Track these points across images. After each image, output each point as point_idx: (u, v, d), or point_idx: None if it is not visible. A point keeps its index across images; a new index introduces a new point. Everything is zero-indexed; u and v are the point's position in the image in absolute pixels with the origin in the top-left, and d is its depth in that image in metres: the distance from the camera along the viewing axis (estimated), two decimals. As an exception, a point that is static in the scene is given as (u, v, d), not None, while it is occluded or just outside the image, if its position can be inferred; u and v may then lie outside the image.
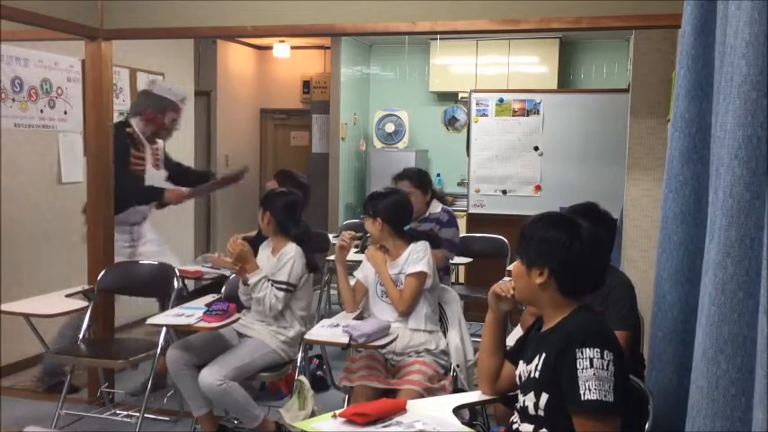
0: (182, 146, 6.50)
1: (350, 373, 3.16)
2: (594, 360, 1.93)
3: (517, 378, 2.19)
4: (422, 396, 2.93)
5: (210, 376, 3.24)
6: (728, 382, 1.68)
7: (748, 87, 1.62)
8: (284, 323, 3.52)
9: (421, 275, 3.22)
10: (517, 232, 2.20)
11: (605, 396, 1.91)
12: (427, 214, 4.31)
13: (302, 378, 3.17)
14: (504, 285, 2.29)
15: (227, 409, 3.50)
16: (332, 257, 4.77)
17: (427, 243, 3.31)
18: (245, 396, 3.34)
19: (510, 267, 2.40)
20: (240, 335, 3.55)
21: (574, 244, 2.06)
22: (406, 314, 3.24)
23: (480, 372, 2.44)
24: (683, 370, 2.18)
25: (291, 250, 3.53)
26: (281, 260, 3.52)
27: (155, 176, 4.52)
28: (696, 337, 1.83)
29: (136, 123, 4.47)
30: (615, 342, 2.02)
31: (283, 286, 3.46)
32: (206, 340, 3.48)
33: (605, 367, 1.93)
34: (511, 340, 2.63)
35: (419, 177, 4.32)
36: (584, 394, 1.91)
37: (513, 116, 6.17)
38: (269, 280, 3.47)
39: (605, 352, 1.94)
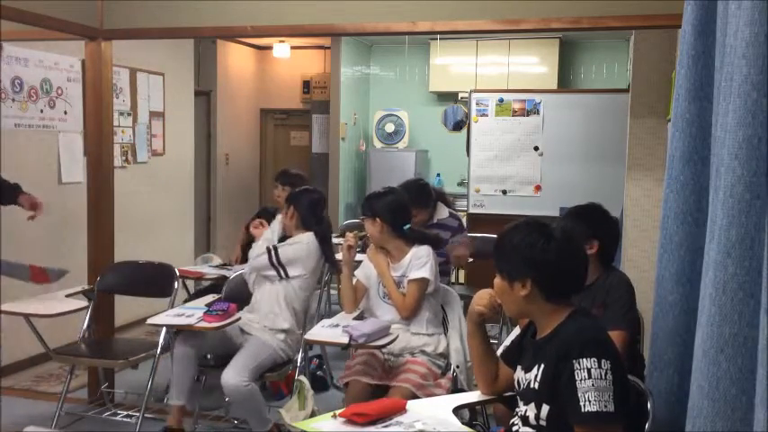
0: (182, 146, 6.51)
1: (347, 370, 3.18)
2: (592, 370, 1.92)
3: (515, 383, 2.19)
4: (414, 394, 2.94)
5: (236, 377, 3.23)
6: (729, 382, 1.68)
7: (748, 87, 1.63)
8: (276, 310, 3.55)
9: (423, 282, 3.22)
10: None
11: (605, 406, 1.91)
12: (435, 220, 4.28)
13: (302, 378, 3.18)
14: (489, 301, 2.28)
15: (247, 411, 3.45)
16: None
17: (430, 248, 3.30)
18: (262, 399, 3.37)
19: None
20: (243, 332, 3.55)
21: (549, 246, 2.04)
22: (409, 319, 3.25)
23: (477, 376, 2.44)
24: (683, 370, 2.18)
25: (305, 238, 3.60)
26: (292, 240, 3.61)
27: None
28: (696, 338, 1.83)
29: None
30: (612, 347, 2.02)
31: (274, 256, 3.53)
32: (214, 334, 3.47)
33: (603, 377, 1.92)
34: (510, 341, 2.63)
35: (416, 194, 4.13)
36: (584, 406, 1.91)
37: (513, 116, 6.17)
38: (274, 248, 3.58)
39: (603, 360, 1.93)
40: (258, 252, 3.60)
